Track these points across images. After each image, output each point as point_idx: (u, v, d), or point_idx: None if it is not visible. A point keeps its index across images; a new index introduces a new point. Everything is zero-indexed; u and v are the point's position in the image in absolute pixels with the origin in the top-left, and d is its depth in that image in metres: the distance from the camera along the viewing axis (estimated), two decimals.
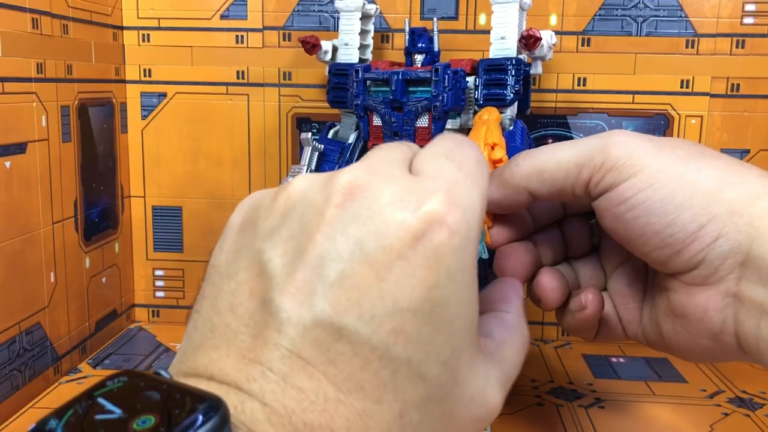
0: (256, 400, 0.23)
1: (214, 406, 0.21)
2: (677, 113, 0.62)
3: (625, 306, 0.39)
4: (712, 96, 0.61)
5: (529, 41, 0.49)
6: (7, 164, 0.47)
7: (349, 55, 0.56)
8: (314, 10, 0.63)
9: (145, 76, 0.65)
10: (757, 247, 0.32)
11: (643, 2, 0.61)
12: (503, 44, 0.51)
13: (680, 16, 0.61)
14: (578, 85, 0.62)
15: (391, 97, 0.50)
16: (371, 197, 0.26)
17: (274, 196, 0.27)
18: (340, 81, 0.54)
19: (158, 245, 0.67)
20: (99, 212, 0.60)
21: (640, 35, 0.61)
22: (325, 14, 0.63)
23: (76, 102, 0.56)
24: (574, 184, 0.35)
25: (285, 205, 0.27)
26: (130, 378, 0.23)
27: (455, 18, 0.62)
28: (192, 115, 0.65)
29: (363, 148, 0.54)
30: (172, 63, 0.64)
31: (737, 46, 0.61)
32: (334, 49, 0.57)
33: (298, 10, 0.63)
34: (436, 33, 0.54)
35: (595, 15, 0.61)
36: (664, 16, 0.61)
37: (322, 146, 0.54)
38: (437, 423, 0.26)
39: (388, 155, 0.28)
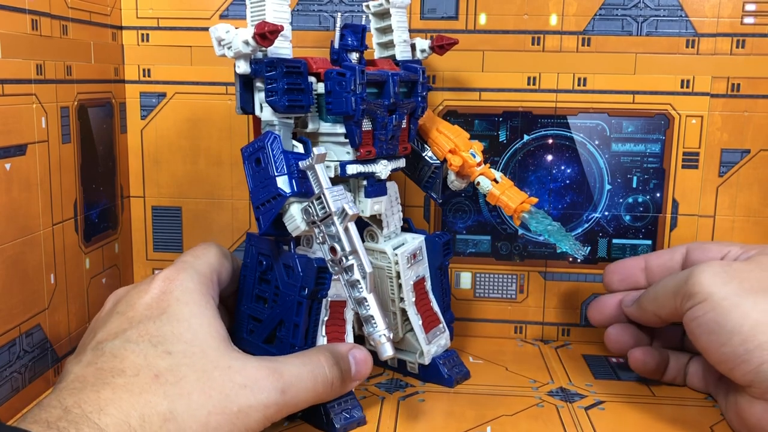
0: None
1: None
2: (677, 113, 0.62)
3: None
4: (713, 96, 0.61)
5: (448, 46, 0.55)
6: (7, 166, 0.47)
7: (285, 48, 0.46)
8: (314, 10, 0.62)
9: (144, 76, 0.65)
10: None
11: (643, 2, 0.61)
12: (406, 47, 0.55)
13: (680, 16, 0.61)
14: (578, 85, 0.62)
15: (393, 100, 0.48)
16: None
17: None
18: (296, 81, 0.45)
19: (158, 245, 0.67)
20: (99, 213, 0.60)
21: (640, 35, 0.61)
22: (325, 14, 0.62)
23: (76, 103, 0.56)
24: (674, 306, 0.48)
25: None
26: None
27: (455, 18, 0.62)
28: (191, 115, 0.65)
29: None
30: (172, 63, 0.64)
31: (737, 46, 0.61)
32: None
33: (298, 10, 0.63)
34: (369, 30, 0.52)
35: (595, 15, 0.61)
36: (664, 16, 0.61)
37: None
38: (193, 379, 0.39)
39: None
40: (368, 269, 0.42)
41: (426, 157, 0.55)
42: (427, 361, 0.54)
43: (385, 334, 0.42)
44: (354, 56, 0.48)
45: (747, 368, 0.42)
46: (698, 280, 0.45)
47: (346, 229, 0.42)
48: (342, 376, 0.45)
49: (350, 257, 0.42)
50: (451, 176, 0.55)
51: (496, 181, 0.54)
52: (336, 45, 0.48)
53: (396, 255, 0.52)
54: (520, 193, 0.54)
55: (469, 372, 0.56)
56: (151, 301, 0.42)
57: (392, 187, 0.53)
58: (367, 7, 0.54)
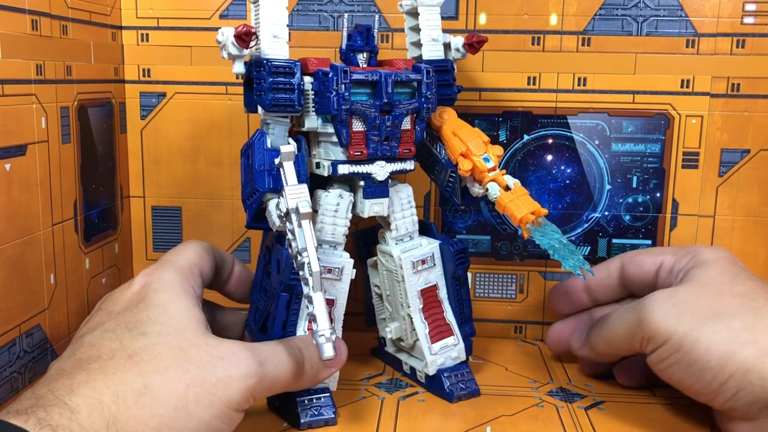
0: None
1: None
2: (677, 113, 0.62)
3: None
4: (713, 96, 0.61)
5: (478, 45, 0.52)
6: (7, 167, 0.47)
7: (281, 49, 0.47)
8: (314, 10, 0.62)
9: (144, 76, 0.65)
10: None
11: (643, 2, 0.61)
12: (436, 46, 0.53)
13: (680, 16, 0.61)
14: (578, 84, 0.62)
15: (386, 100, 0.47)
16: None
17: None
18: (284, 81, 0.46)
19: (158, 245, 0.67)
20: (99, 213, 0.60)
21: (640, 35, 0.61)
22: (325, 14, 0.62)
23: (76, 103, 0.56)
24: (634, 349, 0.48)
25: None
26: None
27: (455, 18, 0.62)
28: (191, 115, 0.65)
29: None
30: (172, 63, 0.64)
31: (737, 46, 0.61)
32: None
33: (297, 10, 0.63)
34: (376, 31, 0.51)
35: (595, 14, 0.61)
36: (664, 16, 0.61)
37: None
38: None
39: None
40: (315, 268, 0.41)
41: (443, 161, 0.52)
42: (431, 371, 0.52)
43: (325, 335, 0.41)
44: (362, 56, 0.49)
45: (723, 399, 0.43)
46: (652, 323, 0.45)
47: (300, 226, 0.42)
48: (318, 358, 0.44)
49: (303, 254, 0.42)
50: (468, 181, 0.52)
51: (509, 188, 0.50)
52: (343, 46, 0.49)
53: (400, 259, 0.51)
54: (530, 202, 0.49)
55: (478, 390, 0.53)
56: (131, 295, 0.44)
57: (405, 190, 0.52)
58: (400, 6, 0.54)
